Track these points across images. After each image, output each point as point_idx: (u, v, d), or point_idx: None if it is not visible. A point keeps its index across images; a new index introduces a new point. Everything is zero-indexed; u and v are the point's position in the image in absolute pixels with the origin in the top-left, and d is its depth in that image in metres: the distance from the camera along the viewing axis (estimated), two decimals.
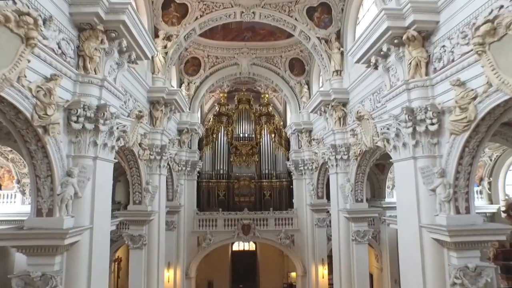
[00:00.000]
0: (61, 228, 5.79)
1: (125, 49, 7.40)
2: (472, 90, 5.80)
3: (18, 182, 11.07)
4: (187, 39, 13.66)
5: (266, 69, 18.82)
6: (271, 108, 23.68)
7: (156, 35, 12.68)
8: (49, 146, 5.67)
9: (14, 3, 4.77)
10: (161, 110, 12.07)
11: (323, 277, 17.24)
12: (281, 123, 23.51)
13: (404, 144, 7.34)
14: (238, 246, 25.75)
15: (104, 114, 6.60)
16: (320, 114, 13.73)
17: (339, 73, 12.92)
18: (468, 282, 6.18)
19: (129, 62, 7.99)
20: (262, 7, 13.30)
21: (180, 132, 17.25)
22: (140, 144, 10.73)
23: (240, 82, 20.96)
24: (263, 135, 22.80)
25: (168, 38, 12.90)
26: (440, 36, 6.77)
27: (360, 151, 11.21)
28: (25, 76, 4.95)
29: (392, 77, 7.87)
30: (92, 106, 6.47)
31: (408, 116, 7.03)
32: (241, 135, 23.08)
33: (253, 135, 23.09)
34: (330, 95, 12.32)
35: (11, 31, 4.47)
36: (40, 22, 5.04)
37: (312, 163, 17.59)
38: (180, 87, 17.47)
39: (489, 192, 12.51)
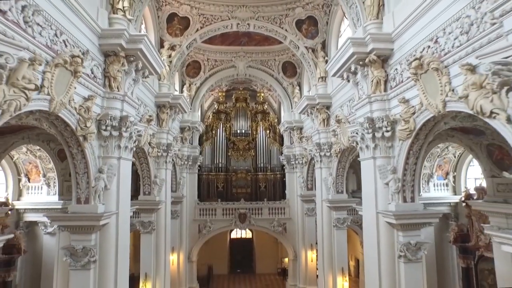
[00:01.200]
0: (96, 212, 7.55)
1: (140, 68, 9.05)
2: (413, 106, 7.52)
3: (44, 176, 12.78)
4: (189, 48, 15.32)
5: (261, 71, 20.41)
6: (266, 106, 25.38)
7: (162, 46, 14.33)
8: (87, 150, 7.39)
9: (65, 45, 6.45)
10: (167, 113, 13.77)
11: (311, 261, 19.11)
12: (276, 120, 25.21)
13: (367, 146, 9.06)
14: (235, 234, 27.60)
15: (126, 123, 8.31)
16: (308, 115, 15.43)
17: (324, 79, 14.60)
18: (410, 254, 7.97)
19: (143, 77, 9.64)
20: (256, 19, 14.92)
21: (182, 129, 18.96)
22: (149, 143, 12.46)
23: (238, 82, 22.54)
24: (259, 131, 24.55)
25: (172, 48, 14.55)
26: (394, 60, 8.43)
27: (339, 149, 12.96)
28: (73, 99, 6.65)
29: (360, 91, 9.54)
30: (116, 117, 8.16)
31: (369, 124, 8.74)
32: (239, 131, 24.83)
33: (250, 131, 24.83)
34: (315, 99, 14.01)
35: (66, 69, 6.15)
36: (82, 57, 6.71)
37: (303, 158, 19.35)
38: (182, 88, 19.13)
39: (454, 185, 14.30)
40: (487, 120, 5.24)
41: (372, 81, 8.83)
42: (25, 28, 5.26)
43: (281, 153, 22.83)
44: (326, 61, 14.51)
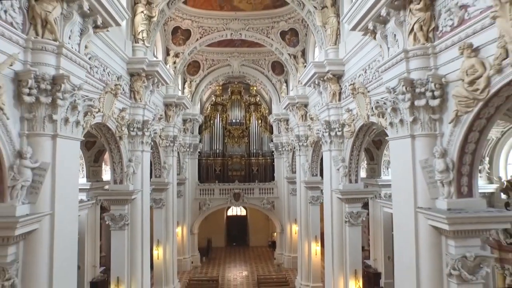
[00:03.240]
0: (128, 190, 10.63)
1: (155, 82, 11.96)
2: (353, 115, 10.51)
3: None
4: (190, 54, 18.11)
5: (253, 69, 23.18)
6: (258, 98, 28.24)
7: (168, 54, 17.13)
8: (121, 146, 10.41)
9: (108, 75, 9.36)
10: (173, 110, 16.71)
11: (295, 233, 22.43)
12: (267, 110, 28.10)
13: (326, 142, 12.10)
14: (232, 212, 30.93)
15: (146, 125, 11.29)
16: (290, 111, 18.39)
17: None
18: (353, 220, 11.14)
19: (157, 87, 12.57)
20: (247, 30, 17.68)
21: (184, 121, 21.89)
22: (160, 136, 15.46)
23: (233, 77, 25.35)
24: (252, 121, 27.53)
25: (176, 55, 17.35)
26: (345, 78, 11.35)
27: (313, 140, 16.00)
28: (114, 112, 9.62)
29: (322, 99, 12.49)
30: (140, 121, 11.13)
31: (327, 125, 11.75)
32: (234, 120, 27.80)
33: (244, 121, 27.81)
34: (295, 99, 16.96)
35: (111, 93, 9.09)
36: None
37: (288, 145, 22.39)
38: (183, 85, 21.96)
39: None
40: (386, 130, 8.25)
41: (330, 92, 11.79)
42: (89, 71, 8.18)
43: (271, 141, 25.87)
44: (305, 66, 17.38)
